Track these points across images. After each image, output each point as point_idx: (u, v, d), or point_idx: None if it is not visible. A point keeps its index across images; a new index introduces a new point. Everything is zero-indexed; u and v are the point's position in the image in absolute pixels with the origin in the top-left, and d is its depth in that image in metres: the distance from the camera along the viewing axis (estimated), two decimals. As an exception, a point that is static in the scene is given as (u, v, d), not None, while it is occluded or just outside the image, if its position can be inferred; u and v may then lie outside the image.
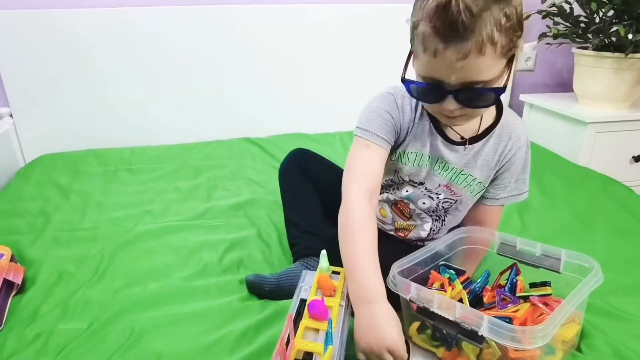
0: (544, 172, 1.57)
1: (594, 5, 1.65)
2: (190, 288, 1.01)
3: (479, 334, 0.67)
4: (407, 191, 0.95)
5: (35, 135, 1.81)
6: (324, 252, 0.80)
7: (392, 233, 1.02)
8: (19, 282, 1.00)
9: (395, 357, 0.68)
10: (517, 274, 0.86)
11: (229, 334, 0.85)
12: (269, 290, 0.96)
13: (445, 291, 0.82)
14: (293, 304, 0.75)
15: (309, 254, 1.02)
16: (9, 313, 0.93)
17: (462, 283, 0.84)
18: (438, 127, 0.88)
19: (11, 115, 1.78)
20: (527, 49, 2.18)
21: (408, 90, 0.79)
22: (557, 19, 1.79)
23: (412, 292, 0.75)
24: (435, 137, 0.88)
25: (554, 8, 1.76)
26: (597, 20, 1.73)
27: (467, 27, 0.66)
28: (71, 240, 1.22)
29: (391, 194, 0.97)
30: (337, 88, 2.05)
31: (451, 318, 0.70)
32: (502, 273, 0.89)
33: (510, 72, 0.74)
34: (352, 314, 0.76)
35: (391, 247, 0.83)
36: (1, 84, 1.74)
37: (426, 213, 0.98)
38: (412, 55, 0.78)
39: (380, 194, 0.97)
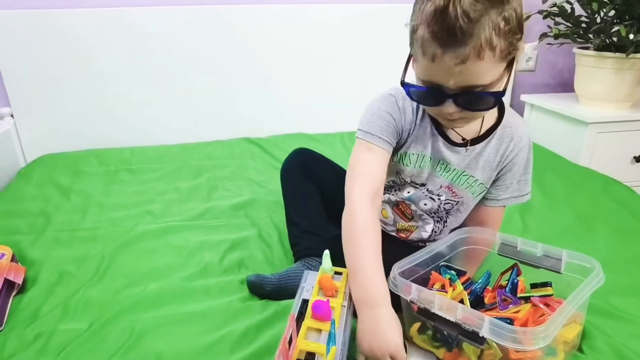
0: (544, 173, 1.57)
1: (595, 5, 1.65)
2: (191, 288, 1.01)
3: (480, 335, 0.67)
4: (408, 192, 0.95)
5: (35, 135, 1.82)
6: (326, 252, 0.80)
7: (393, 234, 1.02)
8: (20, 282, 1.00)
9: None
10: (518, 275, 0.86)
11: (230, 334, 0.85)
12: (270, 290, 0.96)
13: (446, 292, 0.82)
14: (295, 304, 0.75)
15: (310, 254, 1.02)
16: (9, 313, 0.93)
17: (463, 284, 0.84)
18: (439, 128, 0.88)
19: (12, 115, 1.78)
20: (528, 49, 2.18)
21: (408, 93, 0.79)
22: (558, 19, 1.79)
23: (413, 293, 0.75)
24: (437, 138, 0.88)
25: (555, 8, 1.76)
26: (598, 20, 1.73)
27: (465, 32, 0.65)
28: (72, 241, 1.22)
29: (393, 195, 0.97)
30: (337, 88, 2.05)
31: (452, 319, 0.70)
32: (503, 274, 0.89)
33: (510, 75, 0.73)
34: (354, 315, 0.76)
35: (393, 248, 0.83)
36: (2, 84, 1.75)
37: (428, 214, 0.97)
38: (412, 58, 0.78)
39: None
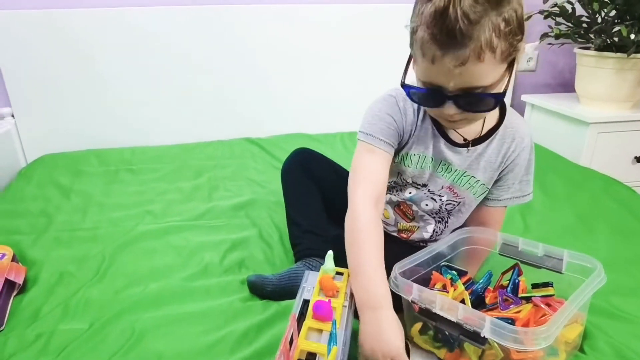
0: (545, 173, 1.56)
1: (596, 6, 1.65)
2: (191, 288, 1.01)
3: (481, 335, 0.67)
4: (410, 193, 0.95)
5: (36, 135, 1.82)
6: (330, 253, 0.79)
7: (394, 234, 1.02)
8: (21, 282, 1.00)
9: None
10: (519, 275, 0.86)
11: (230, 334, 0.85)
12: (270, 290, 0.96)
13: (447, 292, 0.82)
14: (296, 304, 0.75)
15: (311, 254, 1.01)
16: (10, 313, 0.93)
17: (464, 284, 0.84)
18: (441, 129, 0.88)
19: (13, 116, 1.78)
20: (529, 49, 2.18)
21: (408, 95, 0.78)
22: (559, 19, 1.79)
23: (414, 293, 0.74)
24: (438, 139, 0.88)
25: (556, 8, 1.76)
26: (599, 20, 1.73)
27: (464, 34, 0.65)
28: (72, 241, 1.21)
29: (394, 195, 0.97)
30: (337, 88, 2.05)
31: (453, 319, 0.70)
32: (504, 274, 0.89)
33: (511, 75, 0.73)
34: (356, 316, 0.76)
35: (394, 248, 0.83)
36: (3, 84, 1.74)
37: (429, 215, 0.97)
38: (412, 60, 0.77)
39: None
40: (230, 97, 1.96)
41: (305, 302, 0.75)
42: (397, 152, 0.90)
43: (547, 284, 0.82)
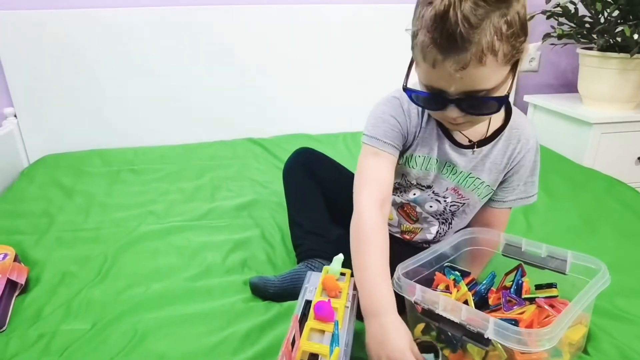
0: (548, 173, 1.56)
1: (599, 6, 1.64)
2: (194, 289, 1.00)
3: (485, 336, 0.66)
4: (414, 194, 0.94)
5: (38, 135, 1.82)
6: (340, 257, 0.79)
7: (397, 235, 1.02)
8: (23, 282, 1.00)
9: None
10: (522, 276, 0.86)
11: (233, 335, 0.85)
12: (273, 292, 0.96)
13: (451, 293, 0.81)
14: (298, 305, 0.75)
15: (313, 255, 1.01)
16: (12, 313, 0.93)
17: (467, 284, 0.84)
18: (446, 130, 0.87)
19: (15, 116, 1.79)
20: (531, 50, 2.17)
21: (410, 98, 0.78)
22: (562, 20, 1.78)
23: (417, 294, 0.74)
24: (443, 140, 0.87)
25: (559, 8, 1.75)
26: (602, 20, 1.72)
27: (465, 38, 0.64)
28: (74, 241, 1.21)
29: (398, 196, 0.97)
30: (340, 89, 2.04)
31: (457, 320, 0.70)
32: (507, 274, 0.88)
33: (514, 77, 0.72)
34: (358, 316, 0.76)
35: (396, 249, 0.82)
36: (5, 84, 1.75)
37: (433, 216, 0.97)
38: (414, 63, 0.77)
39: None
40: (232, 97, 1.96)
41: (308, 303, 0.74)
42: (401, 154, 0.89)
43: (550, 285, 0.82)
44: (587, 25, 1.76)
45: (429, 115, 0.86)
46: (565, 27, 1.80)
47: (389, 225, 1.01)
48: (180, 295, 0.98)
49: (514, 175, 0.90)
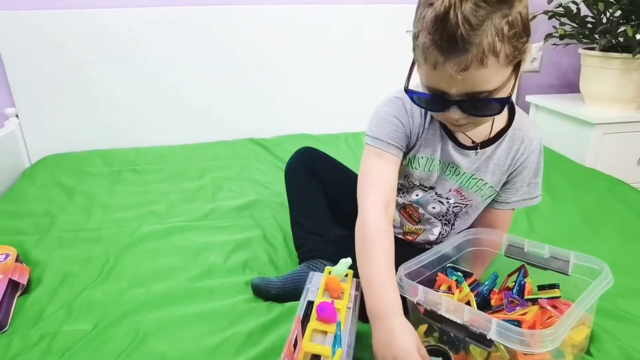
0: (550, 174, 1.55)
1: (601, 6, 1.64)
2: (195, 289, 1.00)
3: (488, 337, 0.66)
4: (417, 195, 0.94)
5: (40, 135, 1.82)
6: (348, 261, 0.78)
7: (400, 236, 1.01)
8: (24, 283, 1.00)
9: None
10: (525, 276, 0.85)
11: (235, 335, 0.85)
12: (274, 293, 0.95)
13: (453, 294, 0.81)
14: (300, 305, 0.74)
15: (315, 256, 1.01)
16: (14, 313, 0.93)
17: (469, 285, 0.84)
18: (449, 131, 0.86)
19: (17, 116, 1.79)
20: (533, 50, 2.17)
21: (412, 99, 0.77)
22: (564, 20, 1.78)
23: (420, 294, 0.74)
24: (446, 141, 0.87)
25: (561, 8, 1.75)
26: (605, 20, 1.72)
27: (466, 39, 0.63)
28: (76, 241, 1.21)
29: (400, 197, 0.96)
30: (341, 89, 2.04)
31: (459, 321, 0.69)
32: (509, 275, 0.88)
33: (517, 78, 0.71)
34: (360, 317, 0.76)
35: (399, 250, 0.82)
36: (7, 84, 1.75)
37: (435, 217, 0.96)
38: (416, 64, 0.76)
39: None
40: (233, 97, 1.96)
41: (310, 304, 0.74)
42: (404, 155, 0.89)
43: (553, 286, 0.82)
44: (589, 25, 1.76)
45: (432, 116, 0.86)
46: (567, 27, 1.80)
47: (392, 226, 1.01)
48: (181, 296, 0.98)
49: (518, 177, 0.90)
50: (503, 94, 0.71)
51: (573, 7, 1.73)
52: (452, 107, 0.72)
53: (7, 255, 1.04)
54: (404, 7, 1.92)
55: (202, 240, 1.21)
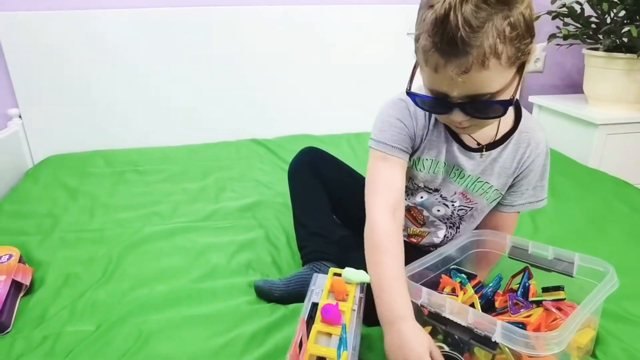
0: (554, 175, 1.52)
1: (605, 6, 1.63)
2: (199, 290, 1.00)
3: (493, 340, 0.66)
4: (421, 197, 0.93)
5: (43, 136, 1.82)
6: (367, 279, 0.77)
7: (404, 239, 1.01)
8: (27, 283, 1.00)
9: None
10: (529, 278, 0.85)
11: (238, 337, 0.85)
12: (278, 296, 0.95)
13: (457, 296, 0.81)
14: (305, 307, 0.74)
15: (319, 258, 1.00)
16: (17, 314, 0.93)
17: (473, 287, 0.83)
18: (454, 133, 0.85)
19: (20, 117, 1.79)
20: (537, 50, 2.16)
21: (414, 102, 0.76)
22: (567, 20, 1.77)
23: (424, 296, 0.74)
24: (451, 143, 0.86)
25: (564, 9, 1.74)
26: (609, 20, 1.71)
27: (466, 41, 0.62)
28: (79, 242, 1.21)
29: (405, 199, 0.95)
30: (344, 89, 2.04)
31: (463, 323, 0.69)
32: (514, 277, 0.88)
33: (521, 79, 0.70)
34: (364, 321, 0.75)
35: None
36: (10, 85, 1.75)
37: (440, 220, 0.96)
38: (418, 66, 0.76)
39: None
40: (236, 98, 1.96)
41: (314, 305, 0.74)
42: (409, 157, 0.88)
43: (558, 288, 0.81)
44: (593, 25, 1.75)
45: (436, 118, 0.85)
46: (571, 28, 1.79)
47: None
48: (185, 297, 0.98)
49: (523, 180, 0.89)
50: (506, 95, 0.70)
51: (577, 7, 1.73)
52: (454, 110, 0.71)
53: (10, 255, 1.04)
54: (405, 7, 1.92)
55: (205, 241, 1.21)
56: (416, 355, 0.65)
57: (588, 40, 1.79)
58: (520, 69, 0.70)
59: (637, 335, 0.84)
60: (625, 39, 1.67)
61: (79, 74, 1.78)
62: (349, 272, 0.78)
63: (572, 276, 0.80)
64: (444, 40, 0.64)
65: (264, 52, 1.92)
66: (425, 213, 0.95)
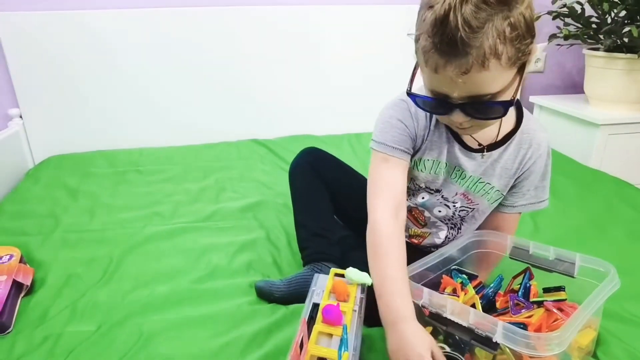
0: (555, 175, 1.50)
1: (606, 6, 1.63)
2: (199, 291, 1.00)
3: (494, 340, 0.66)
4: (422, 198, 0.93)
5: (44, 136, 1.82)
6: (368, 282, 0.78)
7: (406, 240, 1.01)
8: (28, 284, 1.00)
9: None
10: (530, 279, 0.85)
11: (239, 337, 0.85)
12: (278, 297, 0.95)
13: (458, 296, 0.81)
14: (306, 308, 0.74)
15: (319, 259, 1.00)
16: (18, 314, 0.93)
17: (474, 288, 0.83)
18: (455, 133, 0.85)
19: (21, 117, 1.79)
20: (537, 50, 2.16)
21: (415, 103, 0.76)
22: (568, 20, 1.77)
23: (424, 297, 0.74)
24: (453, 144, 0.86)
25: (565, 9, 1.74)
26: (609, 20, 1.71)
27: (466, 42, 0.62)
28: (80, 242, 1.21)
29: (406, 200, 0.96)
30: (344, 90, 2.04)
31: (464, 324, 0.69)
32: (515, 277, 0.88)
33: (521, 79, 0.70)
34: (365, 321, 0.75)
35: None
36: (11, 85, 1.75)
37: (442, 221, 0.96)
38: (419, 67, 0.76)
39: None
40: (237, 98, 1.96)
41: (315, 306, 0.74)
42: (410, 157, 0.88)
43: (559, 288, 0.81)
44: (593, 25, 1.75)
45: (437, 119, 0.85)
46: (571, 28, 1.79)
47: None
48: (185, 298, 0.98)
49: (525, 181, 0.89)
50: (507, 96, 0.70)
51: (577, 8, 1.72)
52: (454, 111, 0.71)
53: (11, 256, 1.04)
54: (407, 7, 1.92)
55: (206, 242, 1.21)
56: (417, 355, 0.65)
57: (589, 41, 1.79)
58: (521, 70, 0.70)
59: (638, 335, 0.84)
60: (625, 39, 1.67)
61: (80, 74, 1.78)
62: (352, 272, 0.78)
63: (573, 277, 0.80)
64: (443, 41, 0.64)
65: (265, 53, 1.92)
66: (426, 214, 0.95)
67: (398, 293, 0.72)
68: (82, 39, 1.74)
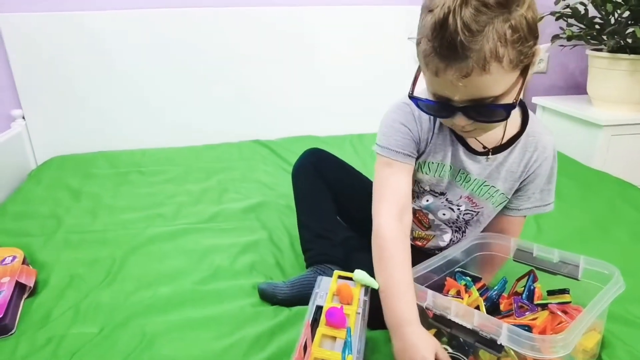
0: (558, 176, 1.50)
1: (609, 7, 1.63)
2: (202, 292, 1.00)
3: (498, 342, 0.65)
4: (427, 200, 0.93)
5: (46, 137, 1.82)
6: (374, 286, 0.77)
7: (410, 242, 1.00)
8: (31, 285, 1.00)
9: None
10: (534, 281, 0.85)
11: (242, 339, 0.84)
12: (281, 299, 0.95)
13: (462, 298, 0.81)
14: (309, 310, 0.74)
15: (322, 261, 1.00)
16: (21, 316, 0.93)
17: (478, 290, 0.83)
18: (459, 136, 0.85)
19: (23, 117, 1.79)
20: (541, 52, 2.16)
21: (417, 106, 0.76)
22: (571, 21, 1.77)
23: (429, 299, 0.73)
24: (457, 147, 0.85)
25: (568, 9, 1.74)
26: (613, 21, 1.71)
27: (466, 46, 0.61)
28: (82, 243, 1.21)
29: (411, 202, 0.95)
30: (346, 91, 2.04)
31: (469, 326, 0.69)
32: (519, 280, 0.87)
33: (524, 81, 0.70)
34: (368, 324, 0.75)
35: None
36: (14, 86, 1.75)
37: (446, 224, 0.95)
38: (421, 70, 0.75)
39: None
40: (239, 99, 1.96)
41: (319, 309, 0.74)
42: (415, 160, 0.87)
43: (563, 291, 0.81)
44: (597, 26, 1.75)
45: (441, 121, 0.85)
46: (574, 28, 1.79)
47: None
48: (188, 299, 0.97)
49: (530, 184, 0.88)
50: (510, 99, 0.69)
51: (581, 8, 1.72)
52: (457, 114, 0.71)
53: (14, 257, 1.04)
54: (408, 9, 1.92)
55: (209, 243, 1.21)
56: (422, 358, 0.65)
57: (592, 41, 1.79)
58: (524, 72, 0.69)
59: (643, 338, 0.84)
60: (629, 40, 1.67)
61: (83, 76, 1.79)
62: (360, 274, 0.78)
63: (577, 279, 0.80)
64: (443, 44, 0.63)
65: (267, 53, 1.92)
66: (430, 216, 0.95)
67: (402, 296, 0.72)
68: (84, 40, 1.75)
